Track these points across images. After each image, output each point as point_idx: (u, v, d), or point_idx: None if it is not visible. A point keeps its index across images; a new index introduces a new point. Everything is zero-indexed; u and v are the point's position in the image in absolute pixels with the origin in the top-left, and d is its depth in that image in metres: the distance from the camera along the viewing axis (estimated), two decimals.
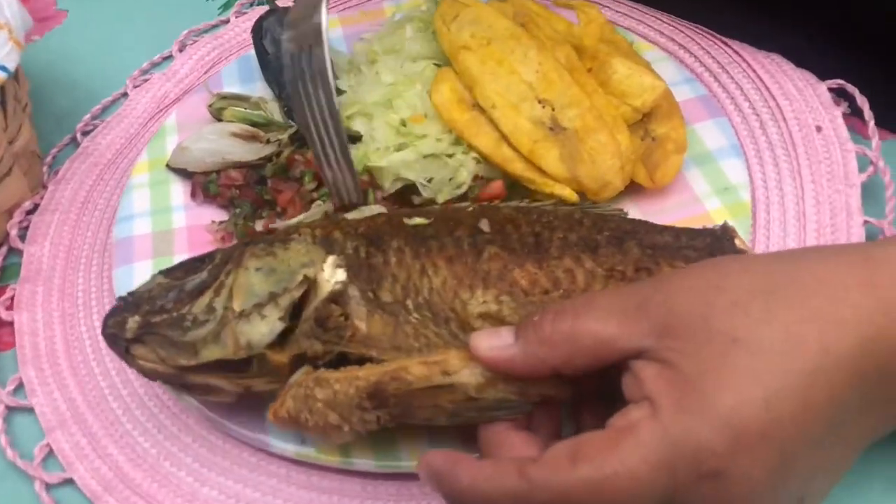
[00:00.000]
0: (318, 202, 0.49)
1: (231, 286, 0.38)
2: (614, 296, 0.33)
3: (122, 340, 0.38)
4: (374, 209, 0.48)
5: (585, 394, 0.35)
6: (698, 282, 0.32)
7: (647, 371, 0.31)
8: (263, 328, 0.37)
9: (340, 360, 0.38)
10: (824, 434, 0.29)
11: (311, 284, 0.38)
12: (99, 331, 0.48)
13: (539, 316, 0.34)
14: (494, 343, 0.34)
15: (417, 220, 0.43)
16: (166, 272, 0.41)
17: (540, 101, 0.50)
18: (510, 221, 0.43)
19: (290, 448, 0.41)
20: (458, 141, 0.51)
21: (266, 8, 0.60)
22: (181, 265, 0.41)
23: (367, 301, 0.38)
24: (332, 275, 0.38)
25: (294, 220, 0.48)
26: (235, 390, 0.39)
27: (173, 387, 0.40)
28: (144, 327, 0.38)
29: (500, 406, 0.35)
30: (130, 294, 0.40)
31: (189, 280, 0.39)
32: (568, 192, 0.48)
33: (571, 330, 0.32)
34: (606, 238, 0.42)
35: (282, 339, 0.37)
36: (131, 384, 0.46)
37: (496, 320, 0.38)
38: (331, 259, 0.39)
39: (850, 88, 0.53)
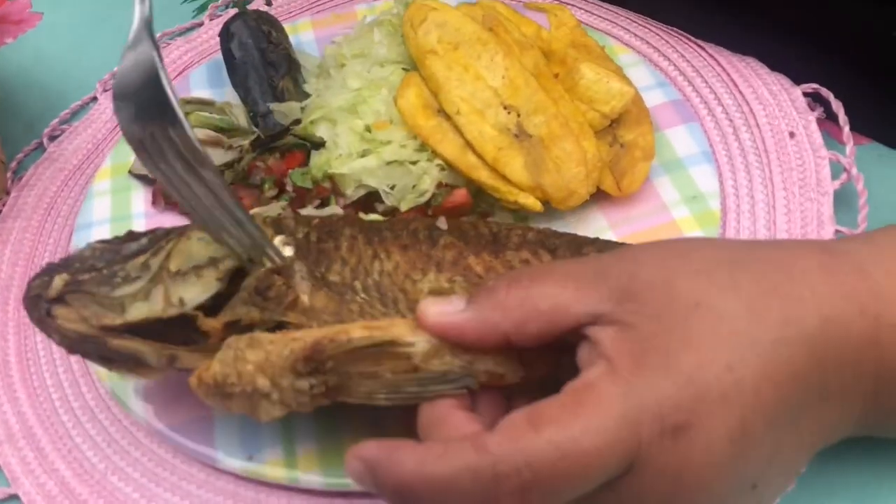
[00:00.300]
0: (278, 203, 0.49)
1: (170, 249, 0.37)
2: (573, 264, 0.32)
3: (44, 301, 0.36)
4: (333, 209, 0.47)
5: (531, 381, 0.34)
6: (662, 251, 0.32)
7: (603, 333, 0.29)
8: (198, 287, 0.35)
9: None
10: (782, 415, 0.29)
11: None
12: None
13: (493, 282, 0.32)
14: (445, 308, 0.32)
15: (374, 216, 0.42)
16: (103, 240, 0.39)
17: (505, 108, 0.49)
18: (470, 224, 0.42)
19: (237, 464, 0.40)
20: (423, 147, 0.50)
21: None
22: (123, 234, 0.39)
23: (314, 279, 0.36)
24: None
25: (251, 212, 0.47)
26: (160, 363, 0.36)
27: (94, 359, 0.37)
28: (71, 285, 0.36)
29: (444, 379, 0.33)
30: (63, 259, 0.38)
31: (127, 245, 0.38)
32: (532, 201, 0.47)
33: (527, 293, 0.31)
34: (565, 242, 0.41)
35: (216, 306, 0.35)
36: (83, 397, 0.45)
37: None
38: (279, 238, 0.38)
39: (825, 93, 0.51)
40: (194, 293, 0.35)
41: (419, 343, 0.33)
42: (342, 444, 0.40)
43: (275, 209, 0.48)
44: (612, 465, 0.27)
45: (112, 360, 0.37)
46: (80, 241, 0.50)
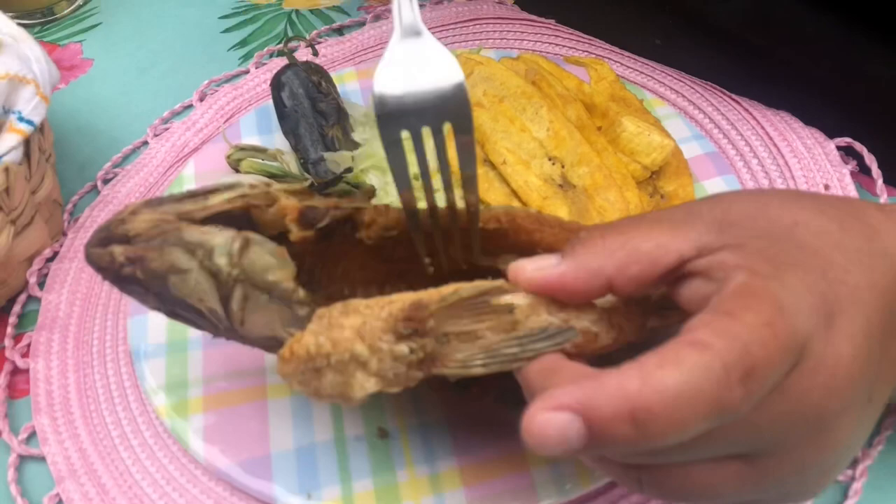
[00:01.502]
0: None
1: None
2: (661, 211, 0.33)
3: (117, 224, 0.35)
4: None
5: (618, 347, 0.34)
6: (744, 192, 0.33)
7: (719, 257, 0.29)
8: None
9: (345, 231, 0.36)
10: (886, 323, 0.29)
11: None
12: (111, 379, 0.50)
13: (585, 233, 0.32)
14: (541, 264, 0.32)
15: None
16: None
17: (550, 159, 0.51)
18: None
19: (296, 502, 0.41)
20: None
21: (285, 60, 0.62)
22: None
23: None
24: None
25: None
26: (234, 251, 0.34)
27: (154, 274, 0.35)
28: (151, 202, 0.36)
29: (544, 335, 0.32)
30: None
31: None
32: None
33: (626, 237, 0.31)
34: None
35: (302, 192, 0.36)
36: (141, 434, 0.47)
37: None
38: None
39: (859, 147, 0.53)
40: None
41: (519, 297, 0.32)
42: (397, 481, 0.41)
43: None
44: (795, 353, 0.27)
45: (167, 272, 0.35)
46: None
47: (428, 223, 0.38)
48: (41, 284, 0.55)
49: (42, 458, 0.46)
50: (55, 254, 0.57)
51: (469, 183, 0.36)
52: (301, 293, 0.35)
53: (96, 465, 0.45)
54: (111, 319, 0.53)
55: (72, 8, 0.81)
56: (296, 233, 0.36)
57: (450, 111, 0.36)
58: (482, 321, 0.32)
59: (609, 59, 0.63)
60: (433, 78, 0.36)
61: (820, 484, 0.31)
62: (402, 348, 0.32)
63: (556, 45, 0.65)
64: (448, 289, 0.33)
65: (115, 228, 0.35)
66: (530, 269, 0.32)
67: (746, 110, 0.57)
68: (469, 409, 0.44)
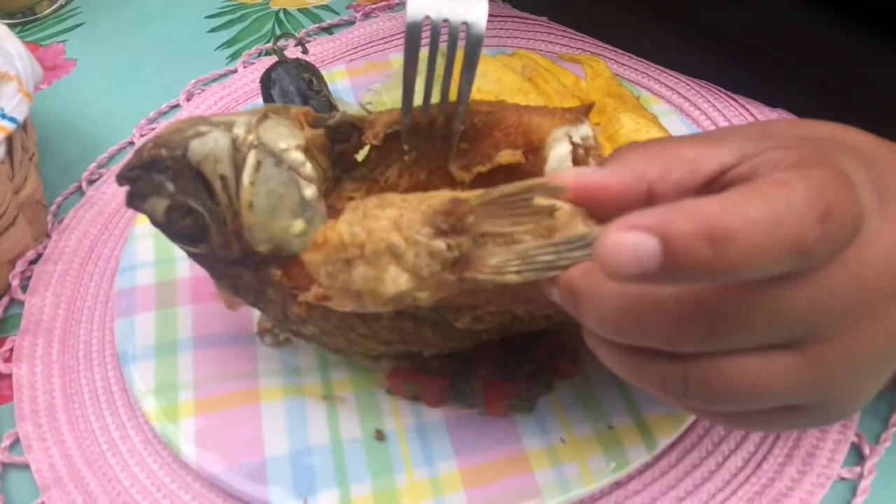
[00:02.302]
0: None
1: None
2: (693, 134, 0.35)
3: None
4: None
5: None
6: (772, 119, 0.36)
7: (766, 156, 0.29)
8: None
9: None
10: None
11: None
12: (98, 384, 0.48)
13: (625, 145, 0.33)
14: (583, 170, 0.32)
15: None
16: None
17: None
18: None
19: None
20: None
21: (274, 59, 0.61)
22: None
23: None
24: None
25: None
26: (252, 122, 0.38)
27: (176, 145, 0.38)
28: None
29: (582, 243, 0.30)
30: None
31: None
32: None
33: (668, 145, 0.31)
34: None
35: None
36: (130, 440, 0.45)
37: None
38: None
39: None
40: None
41: (559, 202, 0.31)
42: (396, 485, 0.40)
43: None
44: (859, 219, 0.27)
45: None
46: (123, 284, 0.51)
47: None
48: (24, 287, 0.54)
49: (26, 466, 0.45)
50: (39, 256, 0.55)
51: (465, 85, 0.39)
52: (309, 168, 0.37)
53: (83, 472, 0.44)
54: (97, 322, 0.51)
55: (53, 7, 0.79)
56: (308, 131, 0.39)
57: (468, 10, 0.39)
58: (521, 223, 0.31)
59: (603, 56, 0.62)
60: None
61: (862, 392, 0.30)
62: (440, 244, 0.31)
63: (550, 42, 0.65)
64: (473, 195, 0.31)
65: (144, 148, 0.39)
66: (571, 174, 0.32)
67: (744, 107, 0.57)
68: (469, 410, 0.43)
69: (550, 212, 0.31)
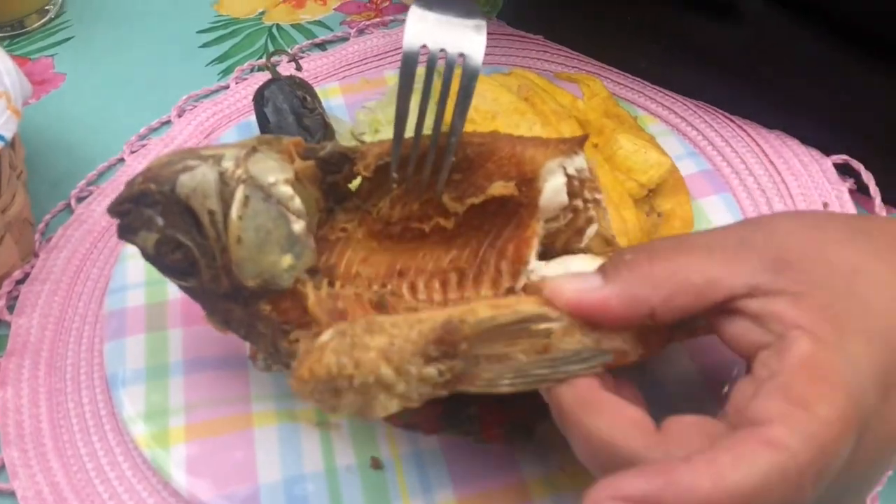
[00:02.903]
0: None
1: None
2: (709, 235, 0.31)
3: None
4: None
5: (645, 359, 0.33)
6: (795, 221, 0.31)
7: (777, 305, 0.28)
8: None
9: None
10: None
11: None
12: (86, 408, 0.47)
13: (630, 255, 0.31)
14: (582, 286, 0.31)
15: None
16: None
17: None
18: None
19: None
20: None
21: (267, 75, 0.60)
22: None
23: None
24: None
25: None
26: (240, 155, 0.38)
27: (165, 180, 0.37)
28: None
29: (577, 358, 0.31)
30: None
31: None
32: None
33: (676, 266, 0.30)
34: None
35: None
36: (119, 466, 0.44)
37: None
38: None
39: (856, 164, 0.52)
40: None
41: (556, 319, 0.31)
42: None
43: None
44: (859, 436, 0.27)
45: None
46: (112, 306, 0.50)
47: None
48: (11, 308, 0.53)
49: (11, 494, 0.44)
50: (26, 275, 0.54)
51: (458, 117, 0.38)
52: (297, 202, 0.37)
53: (70, 499, 0.43)
54: (86, 345, 0.50)
55: (43, 21, 0.78)
56: (298, 163, 0.38)
57: (466, 41, 0.39)
58: (516, 344, 0.31)
59: (600, 75, 0.62)
60: (461, 11, 0.40)
61: None
62: (432, 371, 0.31)
63: (546, 61, 0.64)
64: (484, 310, 0.31)
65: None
66: (570, 289, 0.31)
67: (741, 127, 0.57)
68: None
69: (546, 334, 0.31)
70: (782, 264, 0.29)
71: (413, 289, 0.36)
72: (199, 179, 0.37)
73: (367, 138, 0.56)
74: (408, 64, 0.39)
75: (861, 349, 0.27)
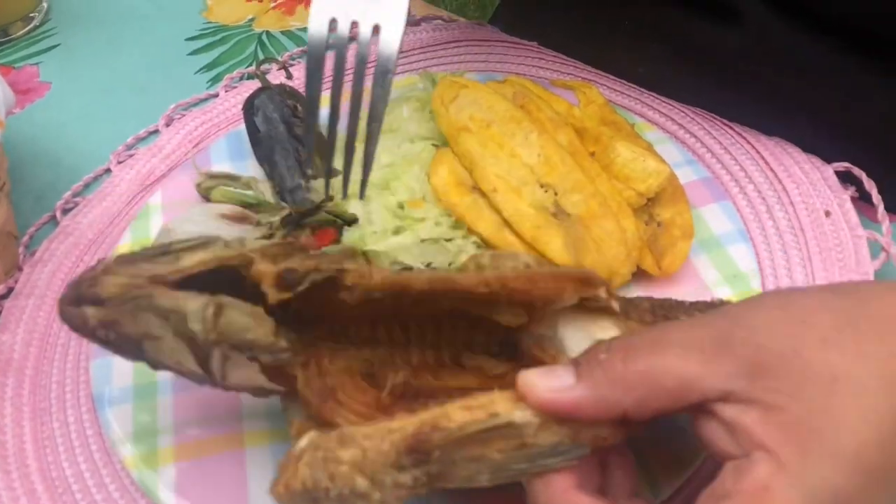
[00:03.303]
0: None
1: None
2: (687, 330, 0.31)
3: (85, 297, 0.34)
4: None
5: (633, 435, 0.32)
6: (777, 316, 0.30)
7: (748, 417, 0.28)
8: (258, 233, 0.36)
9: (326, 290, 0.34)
10: None
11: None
12: (72, 427, 0.46)
13: (605, 354, 0.31)
14: (554, 384, 0.31)
15: None
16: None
17: (542, 186, 0.48)
18: None
19: None
20: (458, 225, 0.49)
21: (257, 84, 0.59)
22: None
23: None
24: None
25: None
26: (206, 321, 0.33)
27: (127, 339, 0.33)
28: (124, 259, 0.34)
29: (555, 451, 0.31)
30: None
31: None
32: None
33: (649, 369, 0.29)
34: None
35: (276, 252, 0.34)
36: (106, 488, 0.43)
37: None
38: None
39: (857, 172, 0.51)
40: (254, 239, 0.34)
41: (529, 419, 0.31)
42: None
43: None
44: None
45: (145, 338, 0.34)
46: None
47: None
48: None
49: None
50: (10, 290, 0.53)
51: (378, 103, 0.36)
52: (283, 343, 0.34)
53: None
54: (72, 362, 0.49)
55: (27, 29, 0.77)
56: (273, 296, 0.34)
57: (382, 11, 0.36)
58: (490, 445, 0.31)
59: (596, 82, 0.61)
60: None
61: None
62: (406, 478, 0.31)
63: (541, 67, 0.63)
64: (444, 420, 0.31)
65: (86, 289, 0.34)
66: (542, 388, 0.31)
67: (740, 135, 0.56)
68: None
69: (520, 435, 0.31)
70: (759, 369, 0.29)
71: (407, 354, 0.36)
72: (167, 351, 0.34)
73: (359, 146, 0.55)
74: (314, 46, 0.35)
75: (826, 473, 0.27)
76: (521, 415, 0.31)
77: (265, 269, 0.34)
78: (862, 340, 0.29)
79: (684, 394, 0.29)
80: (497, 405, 0.31)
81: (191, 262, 0.34)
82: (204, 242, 0.35)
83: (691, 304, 0.40)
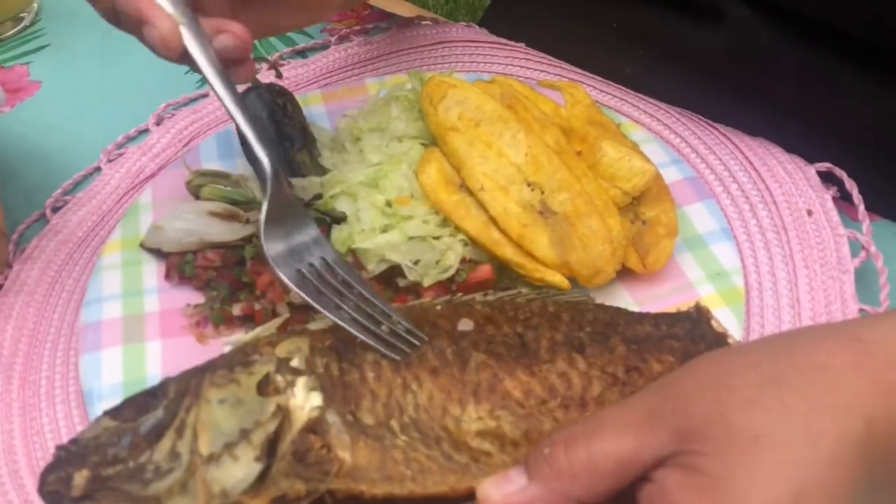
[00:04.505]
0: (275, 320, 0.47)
1: (194, 425, 0.34)
2: (622, 411, 0.32)
3: (68, 499, 0.33)
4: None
5: None
6: (705, 381, 0.32)
7: (671, 479, 0.30)
8: (238, 472, 0.33)
9: (324, 501, 0.34)
10: None
11: (284, 414, 0.34)
12: (61, 423, 0.46)
13: (549, 448, 0.32)
14: (508, 489, 0.32)
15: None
16: (113, 413, 0.36)
17: (529, 185, 0.49)
18: (489, 321, 0.41)
19: None
20: (446, 223, 0.50)
21: (247, 83, 0.59)
22: (130, 402, 0.36)
23: (349, 426, 0.35)
24: (305, 399, 0.35)
25: (250, 335, 0.45)
26: None
27: None
28: (95, 482, 0.33)
29: None
30: (73, 442, 0.35)
31: (143, 421, 0.35)
32: (559, 279, 0.47)
33: (589, 456, 0.31)
34: (589, 335, 0.40)
35: (258, 481, 0.33)
36: None
37: (496, 437, 0.35)
38: (302, 381, 0.36)
39: (839, 172, 0.52)
40: (235, 479, 0.33)
41: None
42: None
43: (274, 324, 0.46)
44: None
45: None
46: (88, 318, 0.49)
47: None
48: None
49: None
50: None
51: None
52: None
53: None
54: (61, 358, 0.49)
55: (17, 29, 0.77)
56: None
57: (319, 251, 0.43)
58: None
59: (582, 83, 0.61)
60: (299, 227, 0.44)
61: None
62: None
63: (528, 68, 0.64)
64: None
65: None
66: (498, 497, 0.32)
67: (724, 135, 0.56)
68: None
69: None
70: (687, 435, 0.30)
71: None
72: None
73: (348, 146, 0.55)
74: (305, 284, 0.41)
75: None
76: None
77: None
78: (786, 396, 0.30)
79: (626, 470, 0.31)
80: None
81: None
82: (183, 482, 0.34)
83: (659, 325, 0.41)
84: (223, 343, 0.47)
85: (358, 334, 0.38)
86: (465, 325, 0.39)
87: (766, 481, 0.28)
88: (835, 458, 0.29)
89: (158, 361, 0.46)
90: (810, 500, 0.28)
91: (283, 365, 0.36)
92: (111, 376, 0.45)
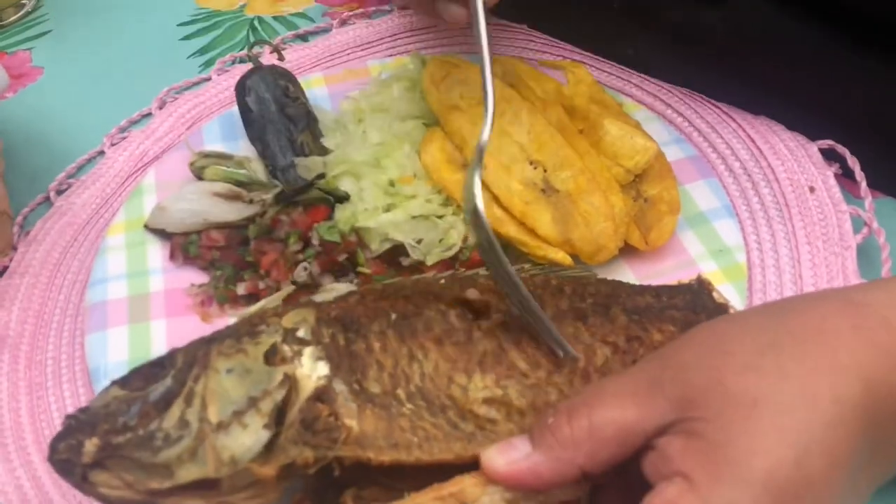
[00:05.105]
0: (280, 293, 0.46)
1: (203, 393, 0.34)
2: (623, 381, 0.33)
3: (79, 467, 0.33)
4: (342, 288, 0.45)
5: (601, 484, 0.34)
6: (703, 350, 0.32)
7: (673, 445, 0.30)
8: (247, 440, 0.33)
9: (332, 468, 0.34)
10: (846, 485, 0.30)
11: (291, 383, 0.34)
12: (68, 402, 0.46)
13: (552, 417, 0.32)
14: (512, 456, 0.32)
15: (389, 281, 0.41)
16: (122, 382, 0.36)
17: (532, 163, 0.49)
18: (492, 291, 0.41)
19: None
20: (448, 201, 0.50)
21: (249, 67, 0.59)
22: (138, 371, 0.36)
23: (355, 395, 0.35)
24: (312, 369, 0.35)
25: (256, 307, 0.45)
26: None
27: None
28: (106, 450, 0.33)
29: None
30: (82, 411, 0.35)
31: (152, 389, 0.35)
32: (561, 256, 0.47)
33: (590, 424, 0.31)
34: (591, 306, 0.40)
35: (266, 448, 0.33)
36: None
37: (502, 404, 0.35)
38: (309, 351, 0.36)
39: (841, 149, 0.52)
40: (244, 447, 0.33)
41: (494, 502, 0.32)
42: None
43: (279, 295, 0.45)
44: None
45: None
46: (94, 298, 0.49)
47: None
48: None
49: None
50: (5, 269, 0.53)
51: None
52: None
53: (51, 493, 0.42)
54: (67, 338, 0.49)
55: (19, 14, 0.77)
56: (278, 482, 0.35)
57: None
58: None
59: (584, 63, 0.61)
60: None
61: None
62: None
63: (530, 49, 0.64)
64: None
65: (78, 481, 0.34)
66: (502, 463, 0.32)
67: (726, 114, 0.56)
68: None
69: None
70: (687, 403, 0.30)
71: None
72: None
73: (351, 127, 0.55)
74: None
75: (733, 495, 0.28)
76: (488, 500, 0.32)
77: (265, 474, 0.34)
78: (783, 360, 0.31)
79: (628, 438, 0.31)
80: (466, 493, 0.32)
81: (187, 477, 0.33)
82: (193, 449, 0.33)
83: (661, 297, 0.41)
84: (228, 321, 0.47)
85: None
86: (472, 294, 0.39)
87: (767, 445, 0.29)
88: (834, 421, 0.29)
89: (164, 340, 0.46)
90: (811, 463, 0.29)
91: (289, 335, 0.36)
92: (117, 355, 0.45)
